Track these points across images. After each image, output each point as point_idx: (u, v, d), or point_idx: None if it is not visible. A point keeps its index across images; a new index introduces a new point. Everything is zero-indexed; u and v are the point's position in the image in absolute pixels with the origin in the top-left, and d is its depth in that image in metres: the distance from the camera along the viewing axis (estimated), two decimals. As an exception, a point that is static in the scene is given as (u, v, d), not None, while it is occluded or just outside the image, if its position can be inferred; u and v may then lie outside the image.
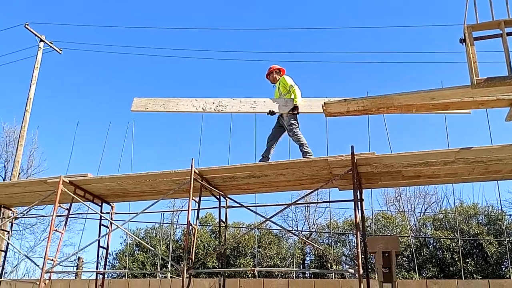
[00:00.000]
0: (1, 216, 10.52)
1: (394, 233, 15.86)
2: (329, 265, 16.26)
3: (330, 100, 5.80)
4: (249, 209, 7.81)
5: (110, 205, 9.17)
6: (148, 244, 7.93)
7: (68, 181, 7.96)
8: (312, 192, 7.24)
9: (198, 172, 7.14)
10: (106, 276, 9.15)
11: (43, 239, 24.18)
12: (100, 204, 8.88)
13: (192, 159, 6.95)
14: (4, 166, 25.02)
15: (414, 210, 19.70)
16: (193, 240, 7.03)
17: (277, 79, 8.25)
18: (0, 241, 13.17)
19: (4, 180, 22.14)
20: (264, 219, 7.75)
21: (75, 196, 8.09)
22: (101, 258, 8.91)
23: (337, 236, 18.04)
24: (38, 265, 8.01)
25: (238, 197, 8.16)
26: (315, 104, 7.42)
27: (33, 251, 22.08)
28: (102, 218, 8.72)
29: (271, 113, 7.63)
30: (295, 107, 7.58)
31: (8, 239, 10.60)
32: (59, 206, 8.02)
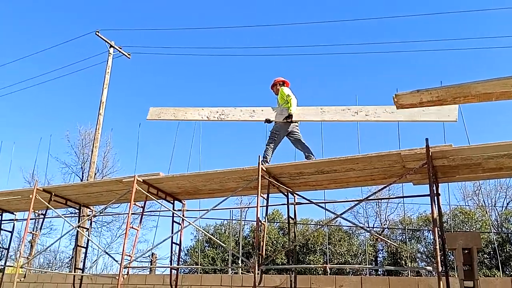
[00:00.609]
0: (81, 215, 11.18)
1: (474, 228, 15.13)
2: (403, 262, 15.81)
3: (399, 93, 5.59)
4: (318, 205, 7.76)
5: (182, 202, 9.47)
6: (217, 240, 8.12)
7: (141, 180, 8.31)
8: (384, 187, 7.05)
9: (265, 169, 7.19)
10: (179, 271, 9.45)
11: (119, 236, 25.44)
12: (172, 201, 9.20)
13: (259, 156, 7.02)
14: (81, 167, 26.56)
15: (495, 204, 18.67)
16: (263, 237, 7.09)
17: (278, 90, 8.66)
18: (80, 238, 14.03)
19: (81, 180, 23.51)
20: (334, 216, 7.67)
21: (148, 194, 8.43)
22: (173, 254, 9.22)
23: (411, 232, 17.50)
24: (116, 261, 8.44)
25: (306, 193, 8.14)
26: (308, 112, 7.97)
27: (110, 247, 23.28)
28: (174, 215, 9.02)
29: (267, 121, 8.20)
30: (289, 116, 8.00)
31: (88, 236, 11.27)
32: (134, 204, 8.37)
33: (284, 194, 7.96)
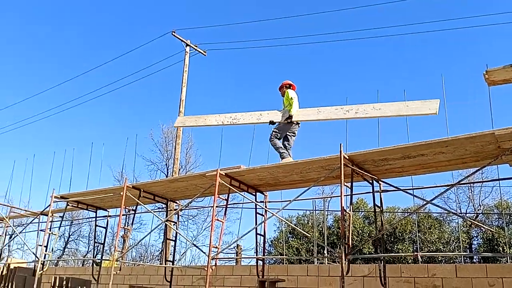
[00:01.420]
0: (168, 209, 11.70)
1: None
2: (501, 248, 14.93)
3: (491, 68, 5.25)
4: (406, 192, 7.54)
5: (264, 194, 9.60)
6: (302, 231, 8.15)
7: (224, 174, 8.53)
8: (477, 170, 6.70)
9: (347, 157, 7.08)
10: (265, 262, 9.62)
11: (204, 229, 26.34)
12: (254, 193, 9.35)
13: (340, 144, 6.92)
14: (166, 164, 27.80)
15: None
16: (349, 226, 7.01)
17: (284, 92, 9.35)
18: (169, 232, 14.71)
19: (166, 176, 24.60)
20: (424, 202, 7.39)
21: (231, 187, 8.63)
22: (258, 245, 9.39)
23: (508, 217, 16.48)
24: (204, 252, 8.75)
25: (392, 180, 7.92)
26: (307, 113, 8.91)
27: (197, 240, 24.20)
28: (257, 207, 9.17)
29: (271, 122, 9.13)
30: (290, 116, 8.88)
31: (176, 229, 11.79)
32: (218, 197, 8.62)
33: (369, 182, 7.80)
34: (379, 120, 9.30)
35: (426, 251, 15.94)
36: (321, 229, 17.63)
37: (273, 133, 9.14)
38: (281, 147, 8.99)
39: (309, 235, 14.59)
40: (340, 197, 6.94)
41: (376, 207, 7.92)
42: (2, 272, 12.06)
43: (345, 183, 7.00)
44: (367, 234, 17.11)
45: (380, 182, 7.84)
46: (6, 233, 15.07)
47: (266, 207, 9.34)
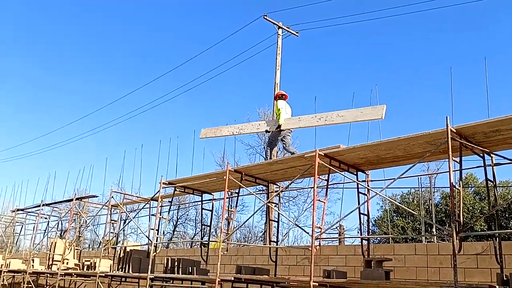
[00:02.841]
0: (269, 191, 11.97)
1: None
2: None
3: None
4: (522, 164, 7.02)
5: (365, 173, 9.48)
6: (408, 209, 7.90)
7: (323, 154, 8.53)
8: None
9: (455, 131, 6.75)
10: (369, 241, 9.53)
11: (305, 210, 26.58)
12: (355, 173, 9.26)
13: (447, 117, 6.61)
14: (264, 147, 28.33)
15: None
16: (459, 202, 6.72)
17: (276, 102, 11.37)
18: (271, 213, 15.08)
19: (265, 159, 25.09)
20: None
21: (331, 167, 8.62)
22: (362, 225, 9.31)
23: None
24: (307, 233, 8.86)
25: (505, 152, 7.42)
26: (290, 121, 10.92)
27: (298, 221, 24.49)
28: (359, 186, 9.09)
29: (267, 131, 11.25)
30: (278, 126, 10.92)
31: (278, 210, 12.05)
32: (318, 177, 8.65)
33: (479, 156, 7.38)
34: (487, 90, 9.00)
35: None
36: (427, 207, 16.98)
37: (268, 140, 11.36)
38: (268, 155, 11.54)
39: (416, 213, 14.11)
40: (448, 173, 6.66)
41: (488, 181, 7.48)
42: (119, 254, 13.18)
43: (453, 158, 6.69)
44: (478, 210, 16.20)
45: (492, 155, 7.38)
46: (121, 218, 16.36)
47: (368, 186, 9.21)
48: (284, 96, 11.45)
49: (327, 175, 8.96)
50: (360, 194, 9.23)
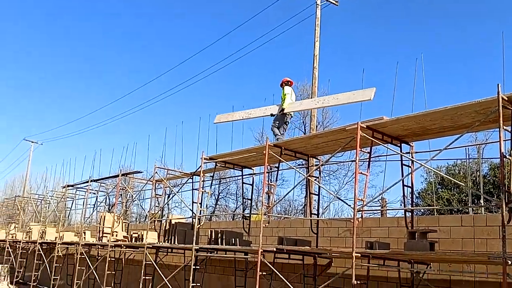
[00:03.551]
0: (309, 165, 11.84)
1: None
2: None
3: None
4: None
5: (409, 144, 9.19)
6: (455, 180, 7.59)
7: (365, 126, 8.30)
8: None
9: (506, 98, 6.38)
10: (413, 213, 9.30)
11: (346, 183, 26.32)
12: (398, 144, 8.99)
13: (498, 84, 6.24)
14: (303, 122, 28.13)
15: None
16: (509, 173, 6.41)
17: (283, 87, 12.07)
18: (311, 186, 14.96)
19: (304, 134, 24.88)
20: None
21: (373, 140, 8.39)
22: (405, 197, 9.07)
23: None
24: (349, 205, 8.71)
25: None
26: (293, 105, 11.86)
27: (338, 194, 24.30)
28: (403, 158, 8.82)
29: (272, 115, 11.98)
30: (282, 109, 11.72)
31: (318, 183, 11.93)
32: (360, 150, 8.43)
33: (531, 124, 6.98)
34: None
35: None
36: (474, 178, 16.41)
37: (273, 123, 11.97)
38: (277, 134, 11.75)
39: (463, 184, 13.66)
40: (498, 143, 6.32)
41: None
42: (165, 227, 13.42)
43: (504, 127, 6.35)
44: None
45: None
46: (165, 193, 16.63)
47: (412, 157, 8.93)
48: (289, 83, 12.29)
49: (369, 147, 8.74)
50: (404, 166, 8.98)
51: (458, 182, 6.79)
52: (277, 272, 9.52)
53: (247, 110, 12.64)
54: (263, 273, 9.80)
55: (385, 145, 8.73)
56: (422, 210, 17.11)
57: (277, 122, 11.91)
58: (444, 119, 7.51)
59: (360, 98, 10.03)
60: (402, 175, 8.82)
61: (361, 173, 8.45)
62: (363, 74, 14.57)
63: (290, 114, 12.16)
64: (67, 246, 20.17)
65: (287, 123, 12.15)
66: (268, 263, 9.67)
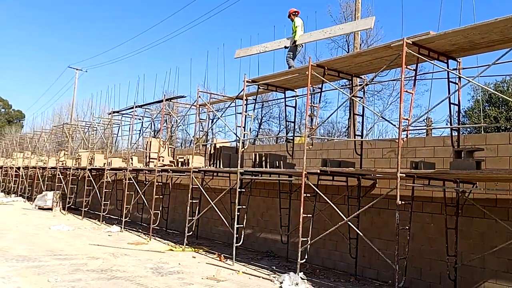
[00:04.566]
0: (353, 85, 11.87)
1: None
2: None
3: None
4: None
5: (456, 60, 9.06)
6: (505, 96, 7.48)
7: (411, 42, 8.22)
8: None
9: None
10: (460, 132, 9.34)
11: (391, 103, 26.09)
12: (445, 61, 8.89)
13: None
14: (346, 41, 27.50)
15: None
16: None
17: (292, 20, 12.65)
18: (355, 107, 15.04)
19: (348, 52, 24.44)
20: None
21: (420, 56, 8.33)
22: (451, 116, 9.08)
23: None
24: (394, 125, 8.84)
25: None
26: (304, 37, 12.53)
27: (383, 115, 24.20)
28: (450, 75, 8.75)
29: (285, 47, 12.72)
30: (295, 41, 12.49)
31: (363, 103, 12.01)
32: (405, 68, 8.41)
33: None
34: None
35: None
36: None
37: (287, 55, 12.62)
38: (293, 65, 12.32)
39: (512, 101, 13.39)
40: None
41: None
42: (210, 151, 14.01)
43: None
44: None
45: None
46: (208, 117, 17.13)
47: (459, 73, 8.84)
48: (297, 13, 12.78)
49: (415, 65, 8.69)
50: (450, 84, 8.93)
51: (507, 98, 6.70)
52: (321, 194, 9.94)
53: (263, 44, 13.62)
54: (307, 195, 10.23)
55: (431, 61, 8.64)
56: (468, 129, 16.92)
57: (291, 53, 12.59)
58: (494, 32, 7.33)
59: (362, 27, 11.61)
60: (449, 93, 8.80)
61: (406, 91, 8.47)
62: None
63: (302, 45, 12.93)
64: (115, 172, 21.39)
65: (298, 52, 13.01)
66: (312, 185, 10.09)
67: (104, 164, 21.05)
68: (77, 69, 47.48)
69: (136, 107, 19.44)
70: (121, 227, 17.81)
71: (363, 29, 12.15)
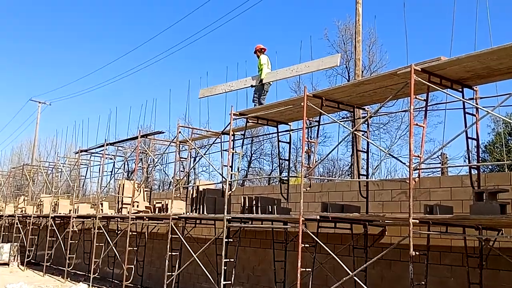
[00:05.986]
0: (356, 118, 11.85)
1: None
2: None
3: None
4: None
5: (472, 89, 9.06)
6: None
7: (419, 69, 8.21)
8: None
9: None
10: (480, 170, 9.25)
11: (399, 138, 26.14)
12: (460, 89, 8.87)
13: None
14: (346, 67, 27.79)
15: None
16: None
17: (258, 56, 13.93)
18: (358, 142, 14.99)
19: (348, 80, 24.66)
20: None
21: (430, 85, 8.31)
22: (469, 152, 9.02)
23: None
24: (404, 163, 8.73)
25: None
26: (270, 75, 13.63)
27: (391, 151, 24.20)
28: (466, 105, 8.72)
29: (252, 86, 13.81)
30: (261, 80, 13.56)
31: (367, 138, 11.94)
32: (414, 97, 8.37)
33: None
34: None
35: None
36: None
37: (254, 95, 13.84)
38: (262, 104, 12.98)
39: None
40: None
41: None
42: (192, 194, 13.82)
43: None
44: None
45: None
46: (190, 155, 17.01)
47: (477, 104, 8.82)
48: (263, 50, 13.94)
49: (425, 94, 8.66)
50: (466, 115, 8.90)
51: (533, 132, 6.67)
52: (322, 244, 9.72)
53: (228, 83, 14.60)
54: (306, 245, 10.01)
55: (444, 90, 8.62)
56: (490, 166, 16.90)
57: (258, 93, 13.66)
58: (514, 57, 7.36)
59: (328, 64, 12.23)
60: (465, 126, 8.74)
61: (416, 124, 8.42)
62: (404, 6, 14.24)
63: (270, 83, 13.85)
64: (82, 220, 21.05)
65: (266, 91, 13.93)
66: (311, 234, 9.88)
67: (70, 211, 20.75)
68: (40, 102, 47.48)
69: (107, 145, 19.32)
70: (89, 285, 17.41)
71: (329, 67, 12.77)
